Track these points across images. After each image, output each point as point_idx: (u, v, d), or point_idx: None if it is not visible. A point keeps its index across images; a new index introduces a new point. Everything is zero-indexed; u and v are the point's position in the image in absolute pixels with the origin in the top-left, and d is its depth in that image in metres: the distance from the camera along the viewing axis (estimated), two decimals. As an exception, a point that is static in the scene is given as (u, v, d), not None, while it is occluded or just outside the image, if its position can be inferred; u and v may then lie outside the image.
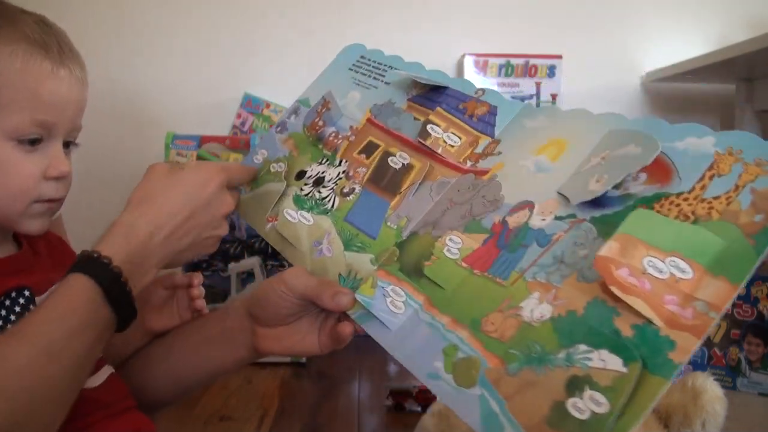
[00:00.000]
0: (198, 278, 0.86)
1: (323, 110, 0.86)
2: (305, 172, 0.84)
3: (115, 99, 1.73)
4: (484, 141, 0.74)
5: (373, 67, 0.90)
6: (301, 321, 0.76)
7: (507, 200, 0.66)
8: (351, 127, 0.85)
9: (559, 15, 1.90)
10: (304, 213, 0.80)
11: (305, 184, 0.83)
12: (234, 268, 1.41)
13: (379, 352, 1.35)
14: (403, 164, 0.77)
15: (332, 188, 0.81)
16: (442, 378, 0.57)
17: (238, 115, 1.75)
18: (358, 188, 0.79)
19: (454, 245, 0.66)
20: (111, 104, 1.73)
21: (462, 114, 0.78)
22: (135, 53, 1.74)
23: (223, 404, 1.08)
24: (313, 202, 0.80)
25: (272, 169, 0.86)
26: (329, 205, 0.79)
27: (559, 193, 0.63)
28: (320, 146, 0.86)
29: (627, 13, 1.91)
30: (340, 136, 0.85)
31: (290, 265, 0.78)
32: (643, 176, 0.58)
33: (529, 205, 0.64)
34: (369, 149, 0.81)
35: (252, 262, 1.41)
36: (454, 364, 0.57)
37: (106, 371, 0.74)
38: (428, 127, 0.77)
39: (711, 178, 0.54)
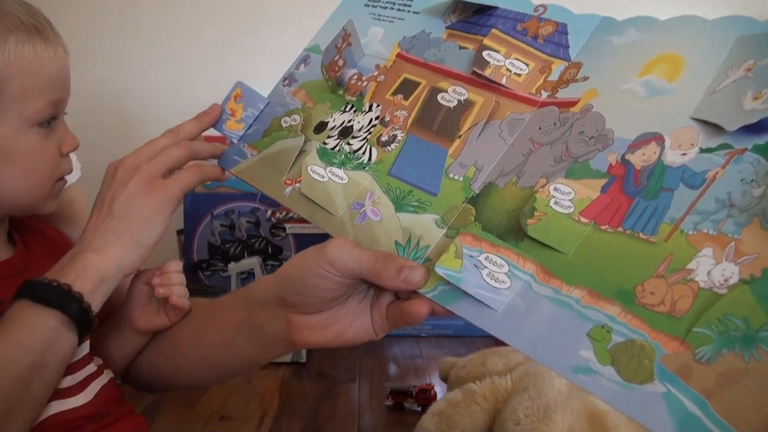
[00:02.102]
0: (169, 265, 0.76)
1: (344, 45, 0.70)
2: (326, 123, 0.68)
3: (114, 99, 1.73)
4: (559, 66, 0.60)
5: None
6: (348, 303, 0.61)
7: (619, 134, 0.53)
8: (377, 66, 0.70)
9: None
10: (335, 169, 0.64)
11: (329, 137, 0.67)
12: (234, 268, 1.39)
13: (379, 352, 1.32)
14: (459, 101, 0.62)
15: (365, 138, 0.65)
16: (599, 372, 0.43)
17: (238, 115, 1.72)
18: (400, 135, 0.64)
19: (564, 196, 0.52)
20: (110, 105, 1.71)
21: (523, 36, 0.63)
22: (134, 53, 1.74)
23: (223, 404, 1.06)
24: (344, 156, 0.65)
25: (284, 124, 0.70)
26: (365, 158, 0.64)
27: (697, 120, 0.49)
28: (341, 92, 0.70)
29: (627, 13, 1.89)
30: (364, 78, 0.69)
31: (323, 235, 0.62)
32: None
33: (655, 138, 0.51)
34: (406, 88, 0.66)
35: (252, 262, 1.39)
36: (611, 352, 0.43)
37: (97, 385, 0.69)
38: (485, 54, 0.63)
39: None
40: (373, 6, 0.75)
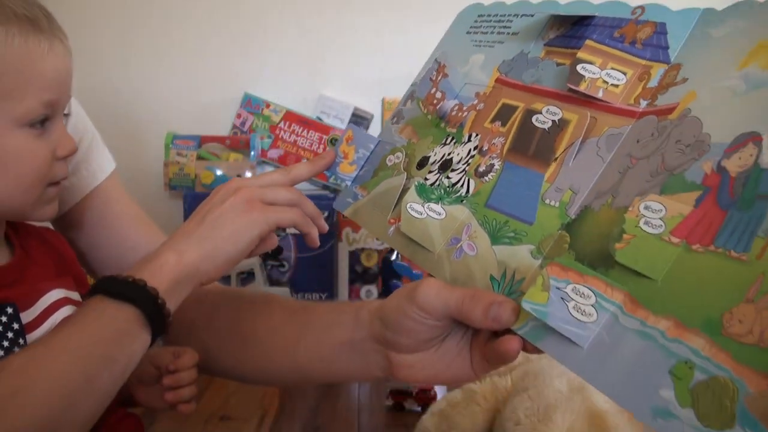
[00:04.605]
0: (184, 360, 0.71)
1: (439, 77, 0.69)
2: (428, 158, 0.68)
3: (115, 99, 1.67)
4: (659, 70, 0.55)
5: (495, 21, 0.72)
6: (446, 342, 0.59)
7: (715, 139, 0.46)
8: (477, 93, 0.68)
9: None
10: (432, 205, 0.63)
11: (430, 172, 0.66)
12: (234, 268, 1.35)
13: None
14: (553, 122, 0.59)
15: (464, 170, 0.63)
16: (677, 416, 0.38)
17: (238, 115, 1.70)
18: (497, 163, 0.61)
19: (654, 215, 0.46)
20: (111, 104, 1.65)
21: (620, 42, 0.58)
22: (134, 53, 1.70)
23: (223, 404, 1.05)
24: (442, 191, 0.63)
25: (389, 163, 0.70)
26: (463, 191, 0.62)
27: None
28: (443, 125, 0.69)
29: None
30: (464, 108, 0.68)
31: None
32: None
33: (752, 138, 0.44)
34: (504, 114, 0.64)
35: (252, 262, 1.37)
36: (692, 392, 0.38)
37: None
38: (579, 67, 0.58)
39: None
40: (474, 33, 0.73)
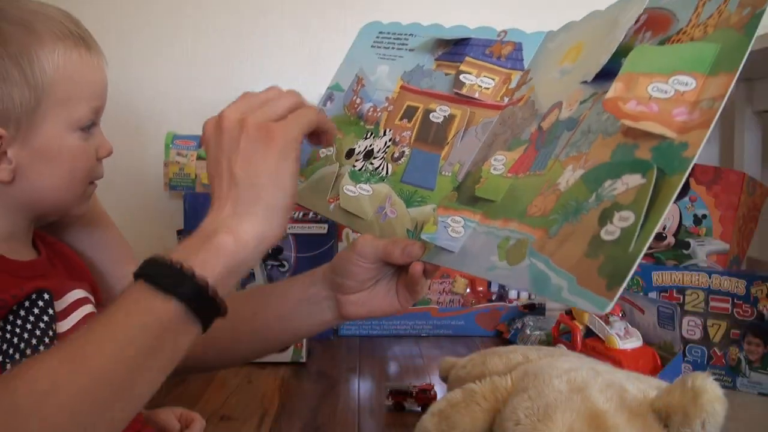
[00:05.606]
0: (194, 429, 0.81)
1: (359, 87, 0.92)
2: (354, 149, 0.89)
3: (115, 99, 1.50)
4: (516, 75, 0.77)
5: (395, 38, 0.94)
6: (379, 284, 0.79)
7: (540, 111, 0.69)
8: (387, 98, 0.89)
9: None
10: (362, 185, 0.84)
11: (356, 160, 0.87)
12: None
13: (379, 352, 1.36)
14: (444, 116, 0.81)
15: (383, 157, 0.85)
16: (498, 267, 0.59)
17: (239, 115, 1.71)
18: (407, 150, 0.83)
19: (499, 162, 0.68)
20: (110, 104, 1.45)
21: (490, 57, 0.81)
22: (134, 53, 1.71)
23: (223, 403, 1.06)
24: (368, 174, 0.84)
25: (321, 155, 0.91)
26: (384, 173, 0.83)
27: (582, 83, 0.65)
28: (362, 123, 0.90)
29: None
30: (378, 110, 0.90)
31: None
32: (648, 34, 0.60)
33: (558, 106, 0.66)
34: (409, 113, 0.85)
35: None
36: (507, 252, 0.59)
37: None
38: (461, 77, 0.81)
39: (704, 4, 0.55)
40: (378, 47, 0.95)
